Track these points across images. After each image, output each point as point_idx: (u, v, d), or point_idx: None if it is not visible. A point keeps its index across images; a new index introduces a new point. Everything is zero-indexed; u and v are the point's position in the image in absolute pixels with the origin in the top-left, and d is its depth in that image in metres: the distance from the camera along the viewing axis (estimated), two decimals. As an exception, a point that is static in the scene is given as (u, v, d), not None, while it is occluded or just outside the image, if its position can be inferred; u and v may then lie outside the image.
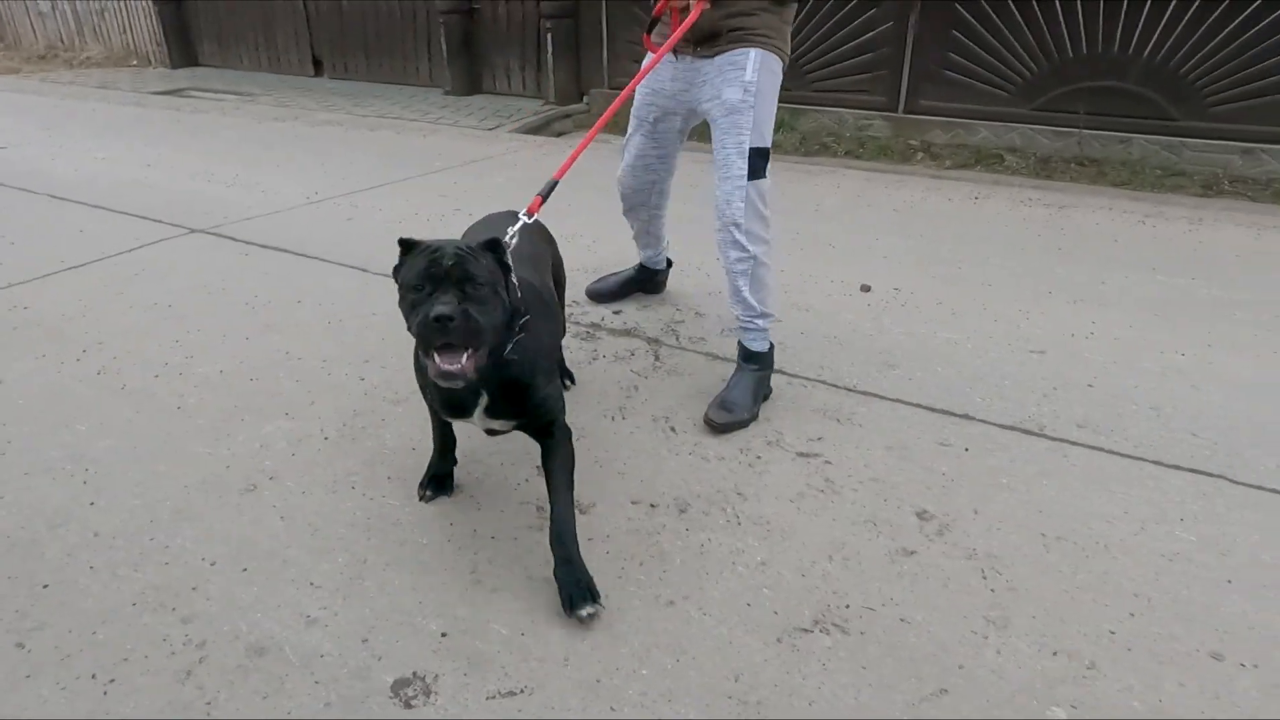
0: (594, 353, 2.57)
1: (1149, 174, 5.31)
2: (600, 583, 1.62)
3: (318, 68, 9.10)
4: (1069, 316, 2.82)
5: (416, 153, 5.27)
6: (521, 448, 2.06)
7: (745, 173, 2.23)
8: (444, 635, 1.51)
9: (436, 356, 1.38)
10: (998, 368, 2.47)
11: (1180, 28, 5.11)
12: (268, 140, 5.67)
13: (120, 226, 3.74)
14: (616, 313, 2.86)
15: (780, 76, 2.26)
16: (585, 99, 7.52)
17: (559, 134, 7.03)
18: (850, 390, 2.34)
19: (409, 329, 1.43)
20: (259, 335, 2.69)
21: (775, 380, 2.38)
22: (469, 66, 8.02)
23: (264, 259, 3.37)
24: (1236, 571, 1.65)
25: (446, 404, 1.61)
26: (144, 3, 9.79)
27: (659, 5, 2.24)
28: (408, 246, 1.48)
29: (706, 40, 2.22)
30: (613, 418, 2.21)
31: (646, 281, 3.02)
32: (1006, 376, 2.42)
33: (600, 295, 3.00)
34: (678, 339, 2.66)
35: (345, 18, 8.67)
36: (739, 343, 2.36)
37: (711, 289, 3.06)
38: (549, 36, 7.28)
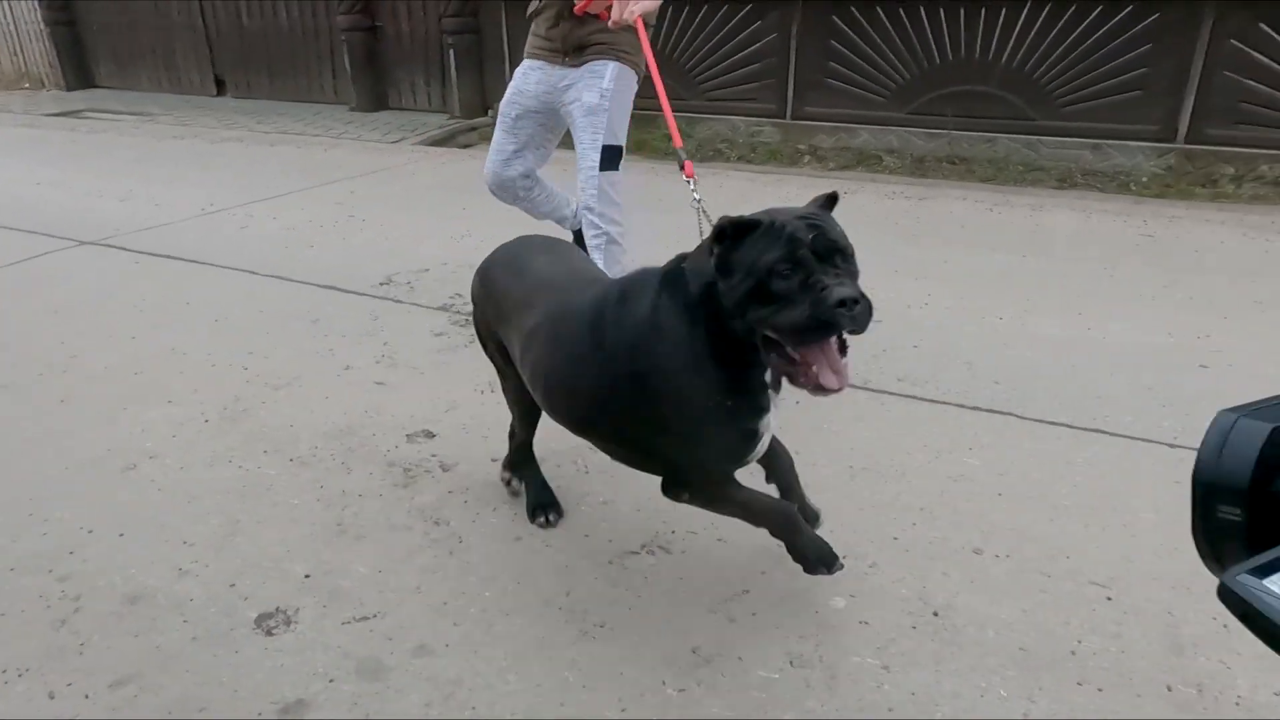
0: (470, 337, 2.75)
1: (1012, 170, 5.75)
2: (458, 526, 1.80)
3: (220, 87, 9.06)
4: (909, 291, 3.12)
5: (316, 166, 5.37)
6: (392, 420, 2.23)
7: (597, 164, 2.58)
8: (307, 576, 1.67)
9: (819, 362, 1.16)
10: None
11: (1032, 35, 5.57)
12: (166, 157, 5.68)
13: (8, 240, 3.76)
14: (496, 302, 3.04)
15: (635, 88, 2.60)
16: (490, 112, 7.69)
17: (464, 146, 7.19)
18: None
19: (767, 325, 1.18)
20: (146, 334, 2.79)
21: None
22: (373, 83, 8.11)
23: (155, 267, 3.45)
24: (1008, 487, 1.92)
25: (751, 437, 1.33)
26: (36, 24, 9.59)
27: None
28: (744, 228, 1.20)
29: (575, 51, 2.54)
30: (482, 391, 2.39)
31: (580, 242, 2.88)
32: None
33: None
34: (551, 322, 2.85)
35: (246, 36, 8.67)
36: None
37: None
38: (451, 52, 7.44)
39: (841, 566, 1.48)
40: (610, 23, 2.36)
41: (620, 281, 1.45)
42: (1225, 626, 1.49)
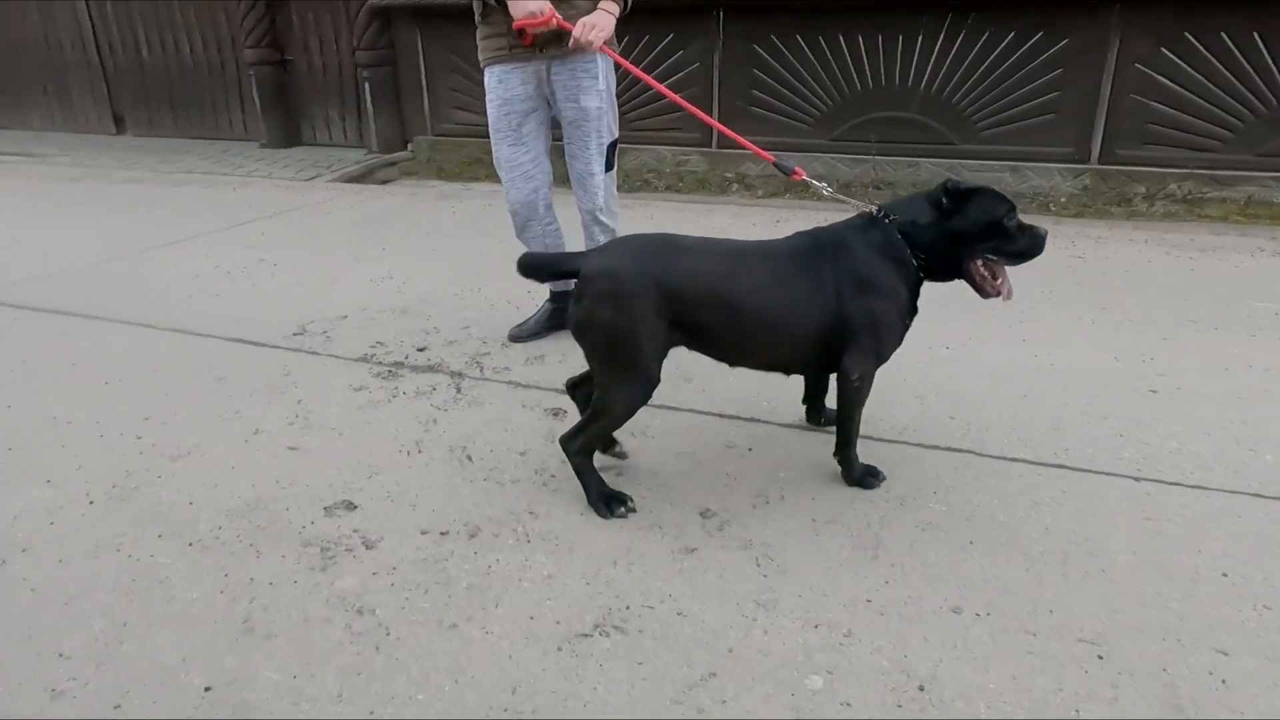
0: (394, 391, 2.54)
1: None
2: (385, 615, 1.59)
3: (119, 125, 8.60)
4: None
5: (225, 206, 5.06)
6: (307, 491, 2.00)
7: (604, 168, 2.68)
8: (208, 689, 1.43)
9: (1005, 278, 1.94)
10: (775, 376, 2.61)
11: (949, 62, 5.67)
12: (57, 201, 5.29)
13: None
14: (420, 349, 2.84)
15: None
16: (410, 146, 7.47)
17: (383, 182, 6.94)
18: (651, 406, 2.41)
19: (995, 251, 1.89)
20: (23, 402, 2.49)
21: (569, 401, 2.42)
22: (285, 118, 7.81)
23: (38, 323, 3.13)
24: (978, 533, 1.81)
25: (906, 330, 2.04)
26: (-89, 61, 8.97)
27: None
28: (968, 193, 1.88)
29: (553, 41, 2.41)
30: (409, 452, 2.19)
31: (563, 311, 2.62)
32: (793, 380, 2.56)
33: (523, 337, 2.90)
34: (482, 371, 2.67)
35: (147, 72, 8.26)
36: (550, 290, 2.87)
37: (519, 320, 3.09)
38: (367, 86, 7.21)
39: (879, 480, 2.02)
40: (570, 44, 2.33)
41: (831, 228, 1.97)
42: (1223, 682, 1.39)
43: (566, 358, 2.76)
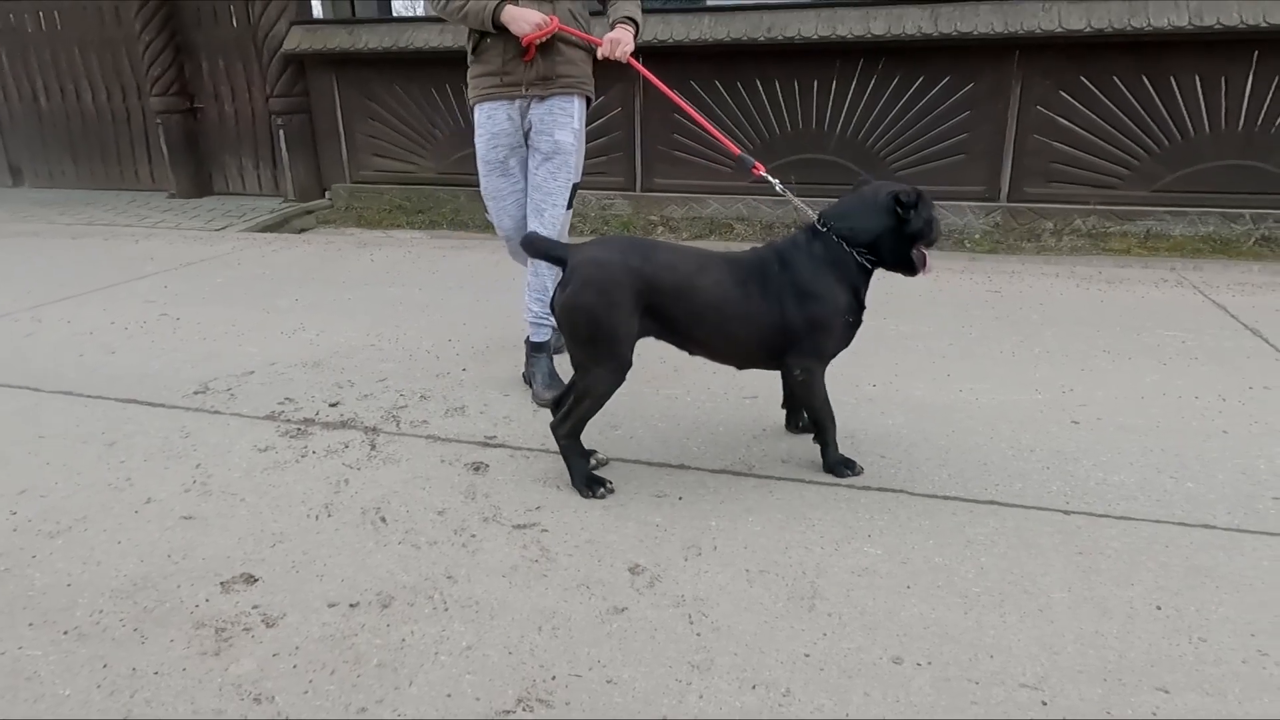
0: (303, 450, 2.39)
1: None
2: (285, 702, 1.44)
3: (16, 176, 8.19)
4: (780, 362, 3.00)
5: (126, 259, 4.81)
6: (203, 565, 1.84)
7: (565, 204, 2.73)
8: (75, 803, 1.26)
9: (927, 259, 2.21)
10: (713, 416, 2.56)
11: (862, 105, 5.83)
12: (-62, 257, 4.95)
13: None
14: (333, 405, 2.69)
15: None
16: (328, 194, 7.30)
17: (300, 230, 6.74)
18: (572, 455, 2.32)
19: (932, 240, 2.19)
20: (-119, 478, 2.25)
21: (496, 454, 2.32)
22: (195, 167, 7.55)
23: (-94, 389, 2.87)
24: (914, 577, 1.76)
25: (853, 331, 2.21)
26: None
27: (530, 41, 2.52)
28: (914, 201, 2.10)
29: (540, 82, 2.60)
30: (317, 516, 2.04)
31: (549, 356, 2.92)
32: (721, 424, 2.51)
33: (546, 402, 2.63)
34: (398, 425, 2.54)
35: (45, 121, 7.92)
36: (529, 339, 2.83)
37: (440, 370, 2.97)
38: (281, 134, 7.04)
39: (859, 471, 2.22)
40: (600, 55, 2.55)
41: (780, 243, 2.19)
42: (1167, 723, 1.36)
43: (488, 408, 2.65)
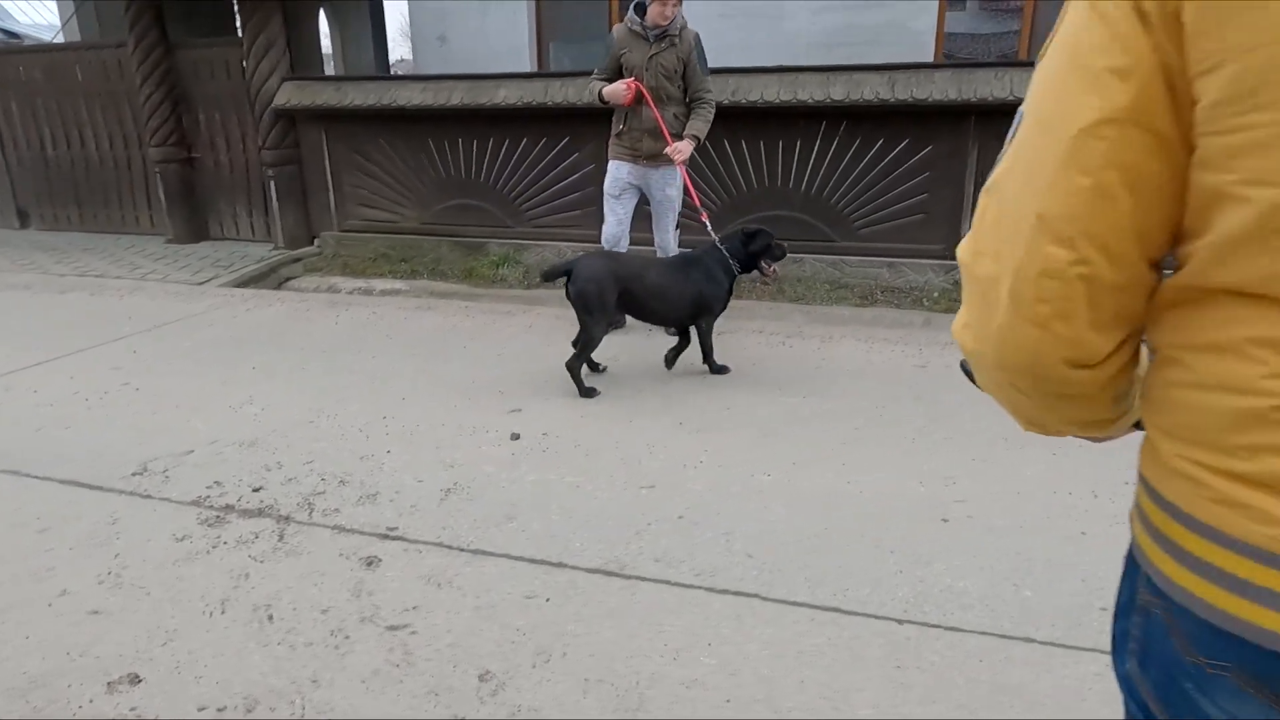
0: (217, 540, 2.57)
1: (820, 288, 6.08)
2: (134, 809, 1.61)
3: (24, 219, 8.55)
4: (687, 447, 3.16)
5: (106, 317, 5.06)
6: (96, 664, 2.02)
7: (673, 230, 4.63)
8: None
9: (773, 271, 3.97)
10: (606, 509, 2.72)
11: (825, 165, 6.00)
12: (-68, 313, 5.22)
13: None
14: (256, 489, 2.88)
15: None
16: (316, 241, 7.56)
17: (285, 279, 7.00)
18: (462, 550, 2.49)
19: (769, 256, 3.93)
20: None
21: (392, 548, 2.49)
22: (191, 214, 7.86)
23: (-128, 465, 3.10)
24: (737, 691, 1.91)
25: (727, 301, 3.96)
26: None
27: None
28: (754, 233, 3.90)
29: (649, 158, 4.39)
30: (211, 613, 2.22)
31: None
32: (611, 517, 2.67)
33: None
34: (311, 514, 2.72)
35: (52, 167, 8.27)
36: None
37: (366, 451, 3.16)
38: (272, 184, 7.32)
39: (728, 369, 4.01)
40: (672, 154, 4.25)
41: (700, 254, 3.96)
42: None
43: (399, 495, 2.82)
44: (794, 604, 2.21)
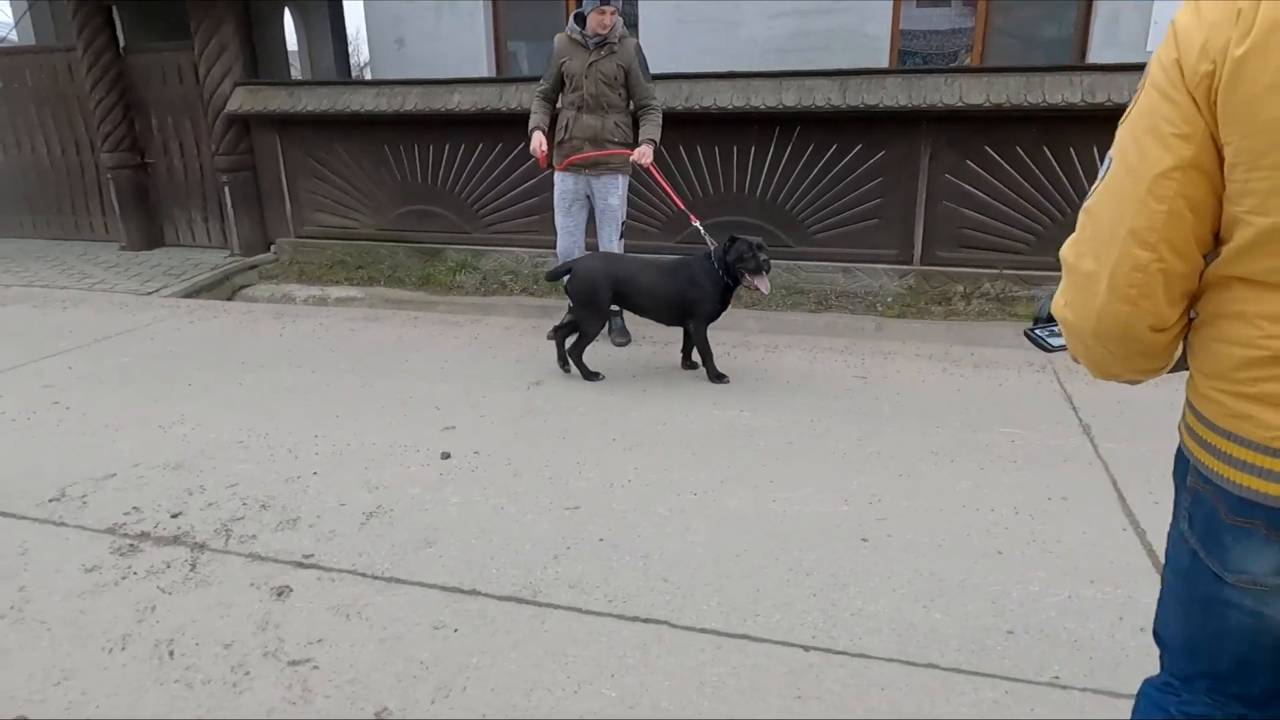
0: (127, 570, 2.53)
1: (775, 294, 6.08)
2: None
3: (-26, 226, 8.41)
4: (618, 465, 3.15)
5: (46, 332, 4.97)
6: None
7: (617, 237, 4.58)
8: None
9: (757, 282, 3.87)
10: (528, 531, 2.70)
11: (780, 170, 6.00)
12: None
13: None
14: (175, 515, 2.83)
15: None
16: (273, 248, 7.48)
17: (239, 288, 6.92)
18: (376, 578, 2.46)
19: (744, 268, 3.88)
20: None
21: (305, 577, 2.46)
22: (146, 220, 7.76)
23: None
24: (635, 724, 1.89)
25: (720, 308, 4.06)
26: None
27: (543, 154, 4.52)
28: (732, 241, 3.90)
29: (591, 168, 4.45)
30: (111, 650, 2.18)
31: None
32: (531, 540, 2.65)
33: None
34: (227, 540, 2.68)
35: (2, 174, 8.13)
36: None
37: (293, 473, 3.12)
38: (227, 190, 7.23)
39: (727, 380, 4.03)
40: (632, 161, 4.41)
41: (689, 259, 4.09)
42: None
43: (320, 520, 2.79)
44: (702, 631, 2.20)
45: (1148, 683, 1.20)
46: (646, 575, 2.45)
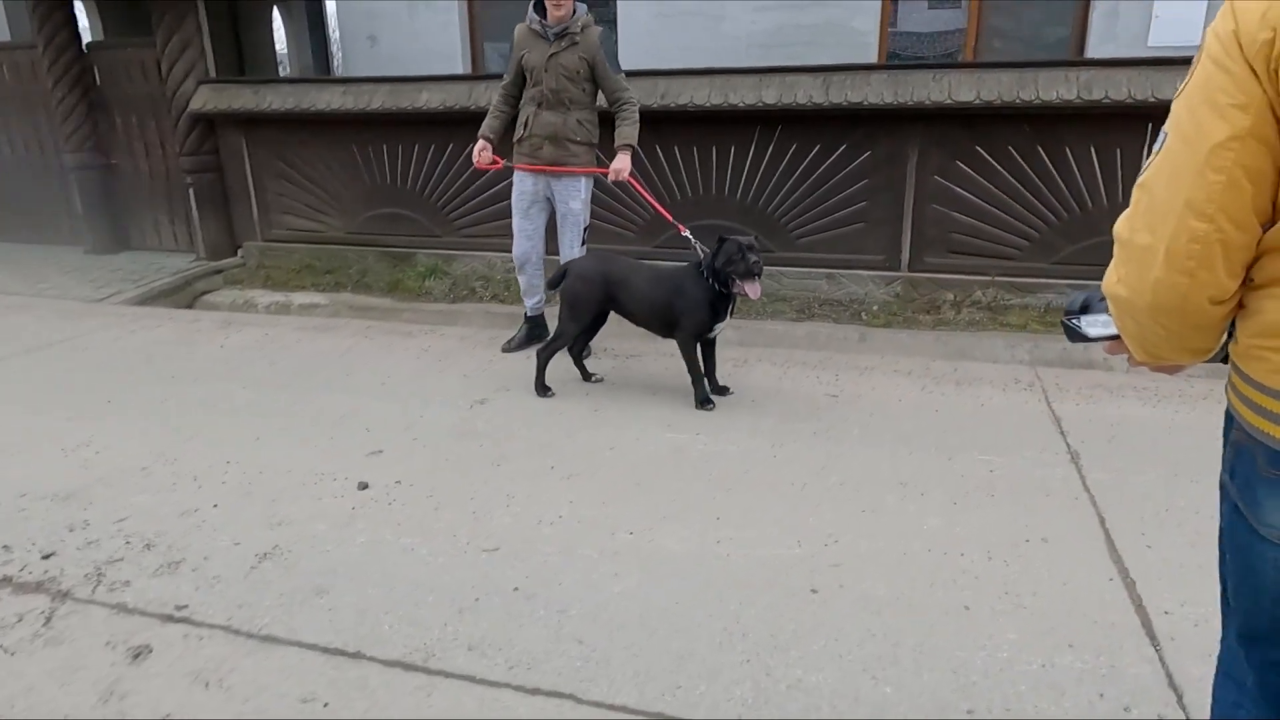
0: (-25, 623, 2.23)
1: (757, 301, 5.76)
2: None
3: (-65, 229, 8.16)
4: (551, 497, 2.84)
5: (-21, 340, 4.70)
6: None
7: (579, 243, 4.21)
8: None
9: (747, 288, 3.44)
10: (436, 578, 2.40)
11: (761, 171, 5.69)
12: None
13: None
14: (47, 555, 2.54)
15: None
16: (240, 252, 7.21)
17: (201, 293, 6.65)
18: (250, 636, 2.16)
19: (733, 272, 3.45)
20: None
21: (171, 634, 2.16)
22: (112, 223, 7.50)
23: None
24: (512, 831, 1.59)
25: (708, 324, 3.62)
26: None
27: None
28: (725, 240, 3.48)
29: (551, 164, 4.07)
30: (-74, 724, 1.88)
31: (537, 328, 4.51)
32: (436, 589, 2.35)
33: (511, 349, 4.43)
34: (96, 587, 2.38)
35: (-38, 175, 7.88)
36: (526, 315, 4.54)
37: (190, 505, 2.82)
38: (191, 192, 6.97)
39: (713, 405, 3.62)
40: (610, 180, 4.12)
41: (682, 267, 3.70)
42: None
43: (206, 563, 2.49)
44: (612, 707, 1.90)
45: (1216, 677, 1.23)
46: (559, 635, 2.14)
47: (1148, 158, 0.99)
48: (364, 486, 2.93)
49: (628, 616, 2.21)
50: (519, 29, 4.24)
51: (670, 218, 4.24)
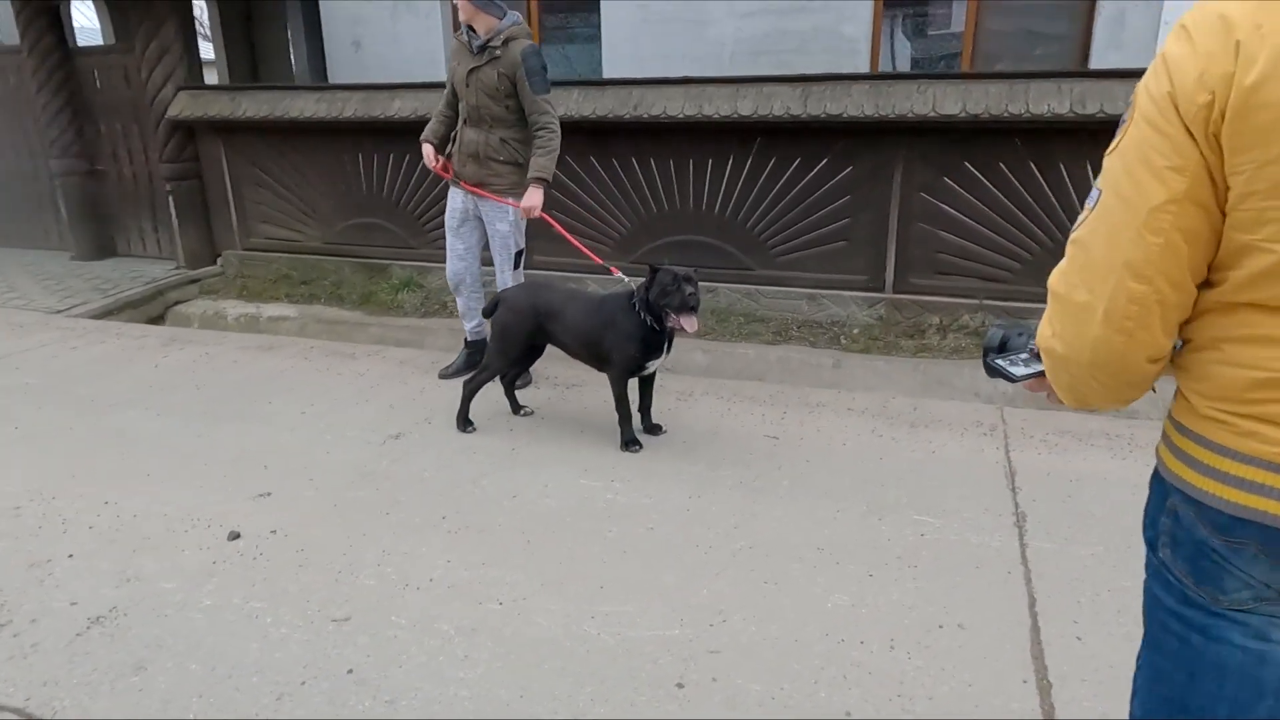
0: None
1: (734, 321, 5.50)
2: None
3: (-76, 234, 8.21)
4: (429, 555, 2.60)
5: (-80, 355, 4.61)
6: None
7: (511, 267, 4.01)
8: None
9: (683, 321, 3.13)
10: (269, 654, 2.17)
11: (739, 187, 5.41)
12: None
13: None
14: None
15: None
16: (220, 260, 7.12)
17: (173, 304, 6.55)
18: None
19: (667, 306, 3.15)
20: None
21: (-44, 716, 1.96)
22: (97, 229, 7.47)
23: None
24: None
25: (641, 362, 3.33)
26: None
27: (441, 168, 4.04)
28: (658, 271, 3.21)
29: (475, 183, 3.88)
30: None
31: (476, 353, 4.15)
32: (264, 668, 2.12)
33: (448, 375, 4.23)
34: (-92, 653, 2.19)
35: (-51, 180, 7.90)
36: (466, 340, 4.31)
37: (44, 557, 2.63)
38: (170, 199, 6.88)
39: (639, 447, 3.36)
40: (526, 215, 3.85)
41: (612, 294, 3.44)
42: None
43: (33, 625, 2.29)
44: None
45: None
46: (381, 731, 1.89)
47: (1081, 211, 0.99)
48: (235, 536, 2.71)
49: (462, 712, 1.96)
50: (454, 39, 4.01)
51: (597, 259, 4.02)
